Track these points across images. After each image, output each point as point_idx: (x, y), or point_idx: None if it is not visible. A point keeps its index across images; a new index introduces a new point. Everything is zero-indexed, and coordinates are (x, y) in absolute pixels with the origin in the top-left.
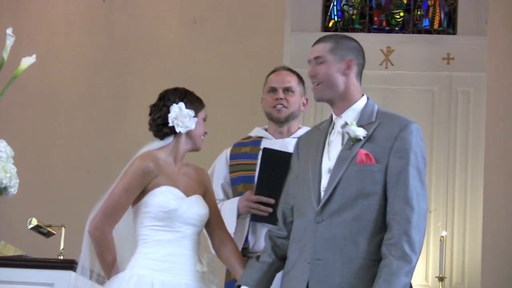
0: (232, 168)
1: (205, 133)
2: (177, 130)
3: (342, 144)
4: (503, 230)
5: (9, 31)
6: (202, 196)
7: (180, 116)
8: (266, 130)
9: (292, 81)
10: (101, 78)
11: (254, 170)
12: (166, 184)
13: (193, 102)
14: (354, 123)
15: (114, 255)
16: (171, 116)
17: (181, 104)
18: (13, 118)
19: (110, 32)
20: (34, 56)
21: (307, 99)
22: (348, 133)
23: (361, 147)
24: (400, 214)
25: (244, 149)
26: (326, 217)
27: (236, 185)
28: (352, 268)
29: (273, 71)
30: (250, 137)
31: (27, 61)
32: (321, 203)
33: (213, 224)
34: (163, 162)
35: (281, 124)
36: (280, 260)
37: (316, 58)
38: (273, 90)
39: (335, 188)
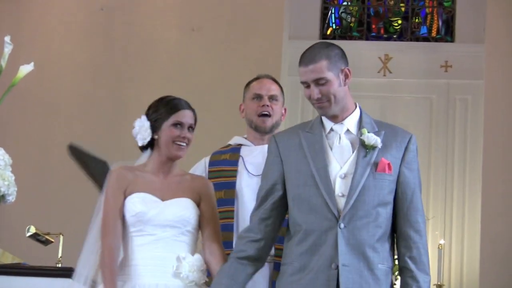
0: (212, 175)
1: (183, 137)
2: (139, 143)
3: (353, 150)
4: (501, 238)
5: (7, 39)
6: (193, 201)
7: (141, 129)
8: (246, 138)
9: (277, 90)
10: (100, 86)
11: (235, 176)
12: (140, 191)
13: (155, 112)
14: (366, 131)
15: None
16: (133, 131)
17: (143, 117)
18: (12, 125)
19: (108, 39)
20: (32, 64)
21: (285, 109)
22: (363, 141)
23: (377, 155)
24: (415, 227)
25: (223, 156)
26: (348, 223)
27: (214, 191)
28: (375, 274)
29: (256, 79)
30: (229, 145)
31: (25, 69)
32: (346, 209)
33: (204, 234)
34: (138, 172)
35: (265, 133)
36: (255, 262)
37: (316, 80)
38: (258, 97)
39: (358, 195)
